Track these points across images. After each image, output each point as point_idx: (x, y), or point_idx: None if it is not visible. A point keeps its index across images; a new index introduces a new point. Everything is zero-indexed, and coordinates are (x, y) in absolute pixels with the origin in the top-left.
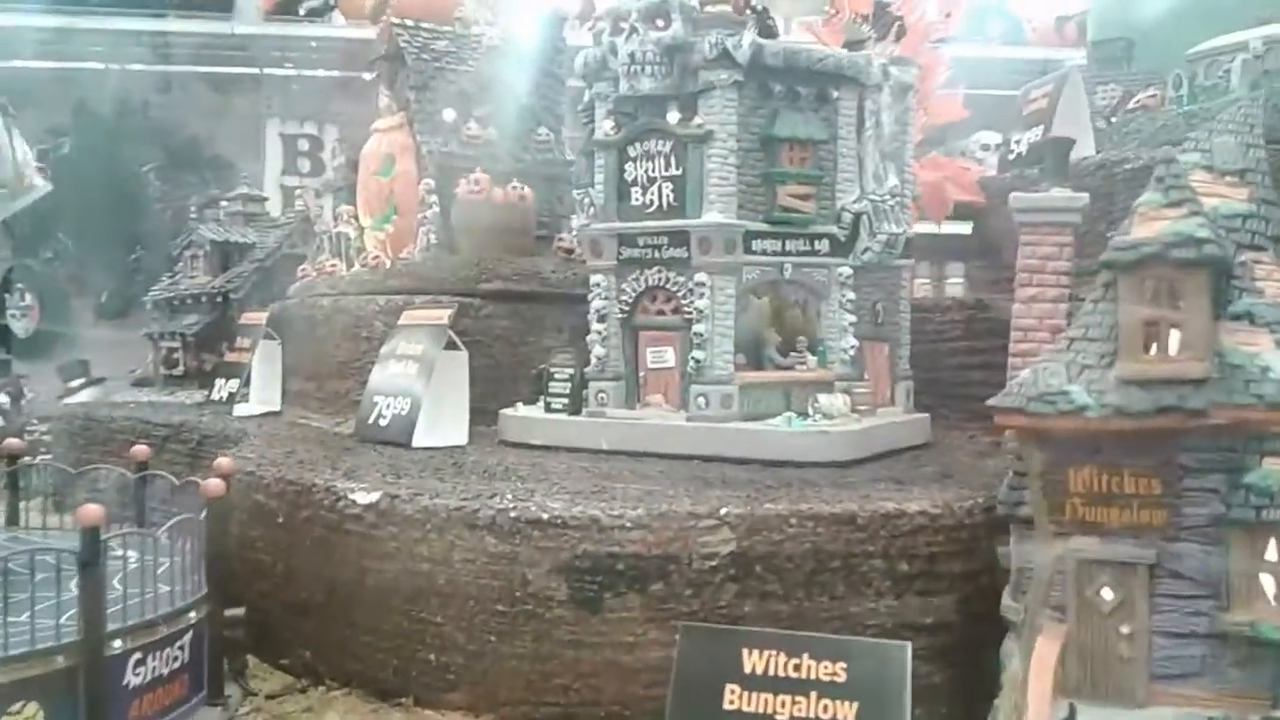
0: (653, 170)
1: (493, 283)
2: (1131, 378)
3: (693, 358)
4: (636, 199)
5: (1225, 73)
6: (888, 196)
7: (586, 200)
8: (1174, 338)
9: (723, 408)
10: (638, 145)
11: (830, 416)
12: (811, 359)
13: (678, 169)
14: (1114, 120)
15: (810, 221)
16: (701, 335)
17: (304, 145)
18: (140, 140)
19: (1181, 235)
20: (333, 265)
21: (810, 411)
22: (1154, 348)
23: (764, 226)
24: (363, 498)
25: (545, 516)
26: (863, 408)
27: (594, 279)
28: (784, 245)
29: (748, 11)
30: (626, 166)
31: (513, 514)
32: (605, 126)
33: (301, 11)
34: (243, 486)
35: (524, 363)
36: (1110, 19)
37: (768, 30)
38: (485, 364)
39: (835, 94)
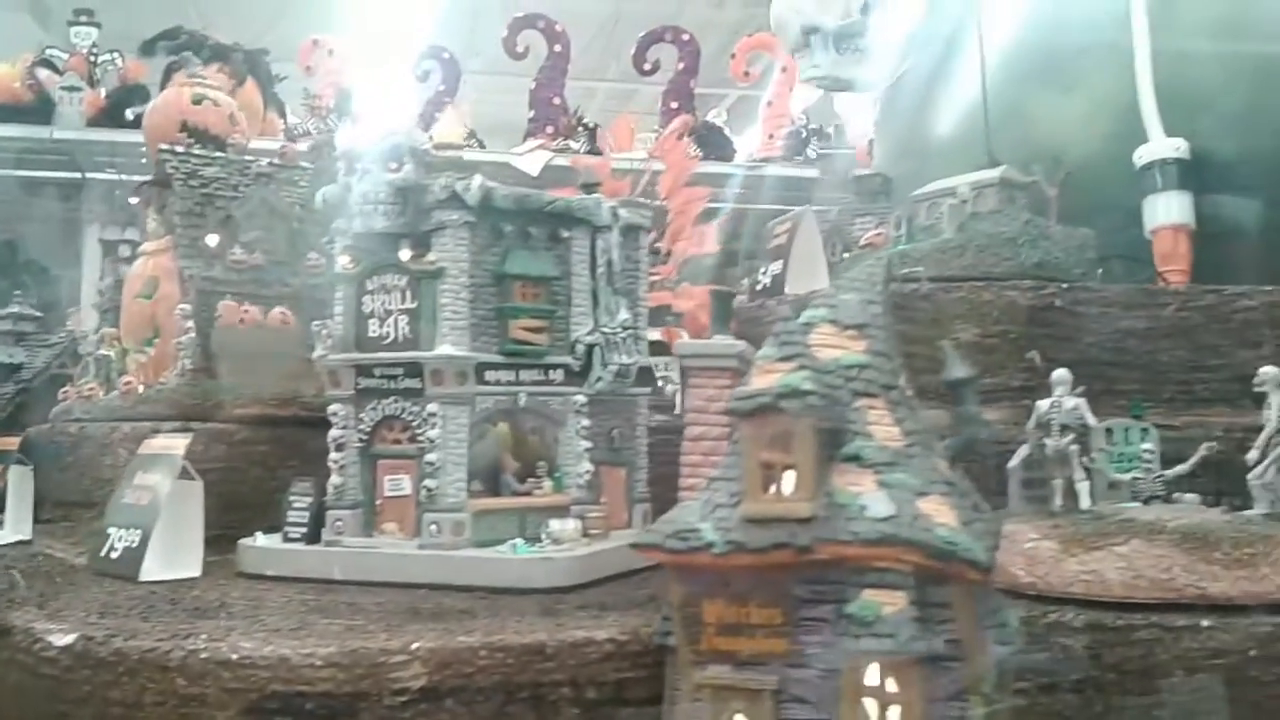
0: (389, 303)
1: (250, 408)
2: (752, 516)
3: (425, 486)
4: (374, 331)
5: (940, 215)
6: (619, 329)
7: (325, 332)
8: (788, 479)
9: (454, 535)
10: (375, 279)
11: (559, 541)
12: (548, 484)
13: (413, 303)
14: (846, 257)
15: (544, 353)
16: (434, 464)
17: (125, 251)
18: None
19: (790, 387)
20: (90, 389)
21: (542, 536)
22: (772, 488)
23: (498, 358)
24: (59, 640)
25: (235, 656)
26: (595, 531)
27: (332, 408)
28: (518, 375)
29: (579, 128)
30: (364, 299)
31: (203, 655)
32: (343, 261)
33: (129, 116)
34: None
35: (283, 489)
36: (892, 149)
37: (595, 149)
38: (241, 491)
39: (566, 234)
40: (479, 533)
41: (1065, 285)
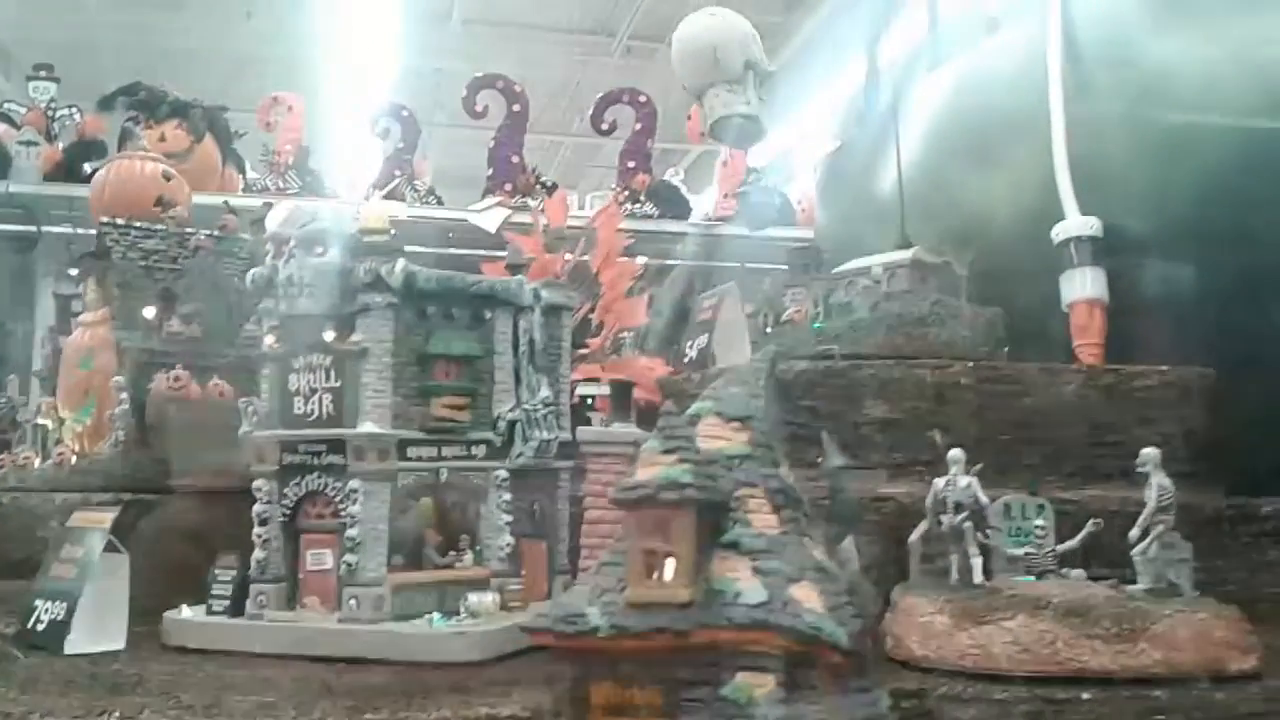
0: (314, 382)
1: (183, 480)
2: (635, 601)
3: (345, 561)
4: (299, 408)
5: (855, 293)
6: (540, 406)
7: (251, 408)
8: (669, 566)
9: (374, 610)
10: (301, 358)
11: (477, 615)
12: (469, 557)
13: (337, 381)
14: (769, 331)
15: (466, 429)
16: (355, 539)
17: (77, 306)
18: None
19: (670, 479)
20: (26, 457)
21: (461, 610)
22: (654, 575)
23: (420, 435)
24: None
25: None
26: (515, 604)
27: (256, 483)
28: (440, 451)
29: (538, 185)
30: (290, 377)
31: None
32: (269, 340)
33: (87, 169)
34: None
35: (213, 560)
36: (834, 217)
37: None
38: (171, 562)
39: (489, 314)
40: (399, 607)
41: (971, 363)
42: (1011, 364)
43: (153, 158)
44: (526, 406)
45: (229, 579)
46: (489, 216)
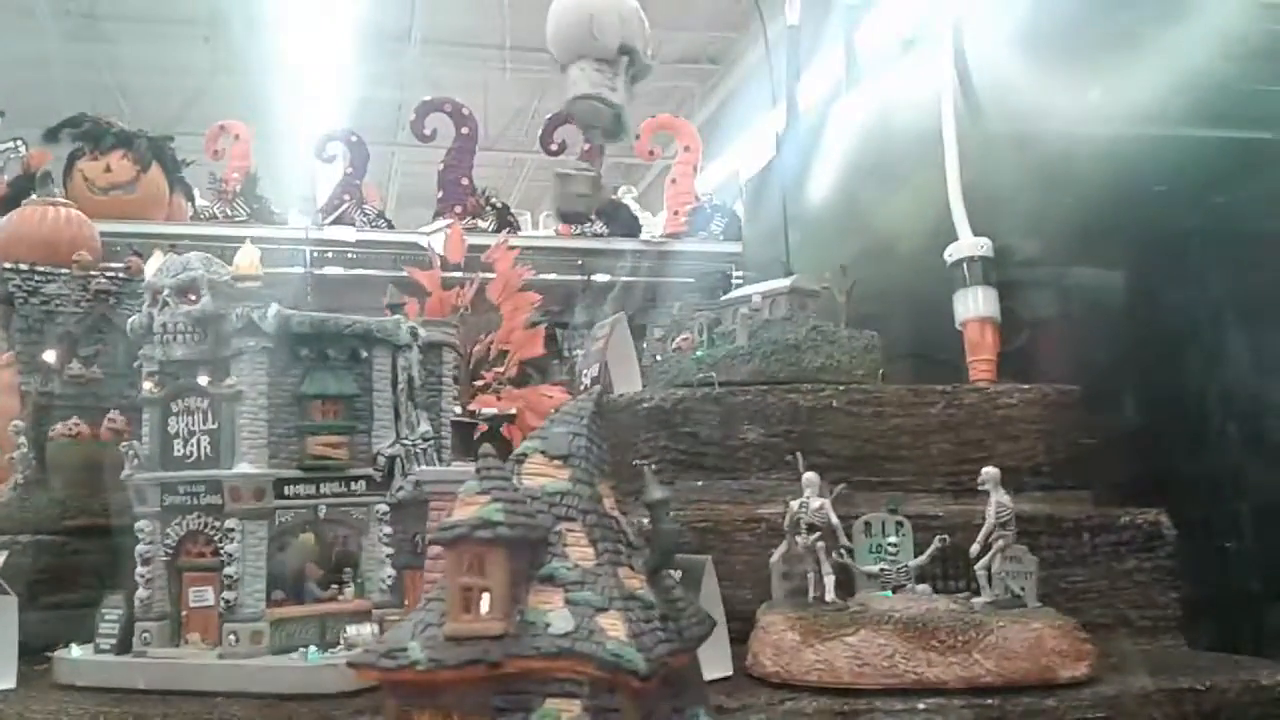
0: (192, 424)
1: (78, 519)
2: (453, 634)
3: (224, 598)
4: (179, 450)
5: (737, 322)
6: (419, 440)
7: (132, 452)
8: (485, 600)
9: (252, 644)
10: (179, 402)
11: (354, 646)
12: (350, 590)
13: (213, 424)
14: (658, 359)
15: (345, 467)
16: (232, 576)
17: None
18: None
19: (483, 519)
20: None
21: (340, 642)
22: (471, 609)
23: (297, 473)
24: None
25: None
26: None
27: (139, 524)
28: (319, 489)
29: (487, 207)
30: (170, 421)
31: None
32: (147, 386)
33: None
34: None
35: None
36: (757, 237)
37: (508, 225)
38: (71, 600)
39: (365, 353)
40: (278, 640)
41: (843, 387)
42: (881, 386)
43: (61, 203)
44: (406, 441)
45: (115, 617)
46: (439, 239)
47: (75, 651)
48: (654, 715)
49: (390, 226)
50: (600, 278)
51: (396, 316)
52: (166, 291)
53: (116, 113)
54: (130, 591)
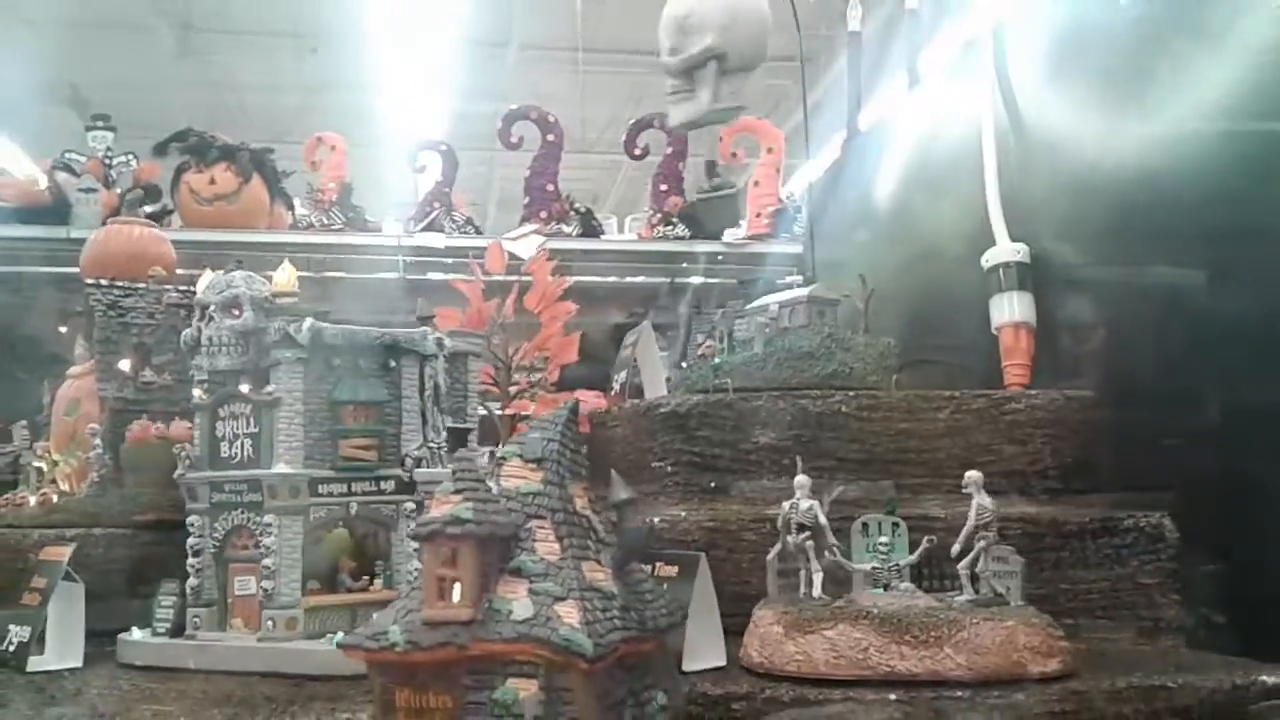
0: (237, 428)
1: (147, 515)
2: (428, 620)
3: (263, 587)
4: (225, 452)
5: (754, 330)
6: (444, 444)
7: (184, 454)
8: (457, 589)
9: (287, 629)
10: (225, 408)
11: None
12: (380, 581)
13: (255, 428)
14: (683, 365)
15: (375, 467)
16: (270, 568)
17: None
18: None
19: (454, 517)
20: (21, 498)
21: None
22: (445, 597)
23: (330, 473)
24: None
25: None
26: None
27: (190, 519)
28: (350, 488)
29: (572, 212)
30: (218, 425)
31: None
32: (197, 393)
33: (143, 214)
34: None
35: None
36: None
37: (592, 229)
38: (141, 588)
39: (394, 362)
40: (312, 626)
41: (852, 393)
42: (890, 392)
43: (141, 222)
44: (431, 445)
45: (170, 603)
46: (524, 244)
47: (136, 634)
48: (609, 696)
49: (479, 232)
50: (685, 280)
51: (424, 328)
52: (213, 307)
53: (229, 125)
54: (184, 581)
